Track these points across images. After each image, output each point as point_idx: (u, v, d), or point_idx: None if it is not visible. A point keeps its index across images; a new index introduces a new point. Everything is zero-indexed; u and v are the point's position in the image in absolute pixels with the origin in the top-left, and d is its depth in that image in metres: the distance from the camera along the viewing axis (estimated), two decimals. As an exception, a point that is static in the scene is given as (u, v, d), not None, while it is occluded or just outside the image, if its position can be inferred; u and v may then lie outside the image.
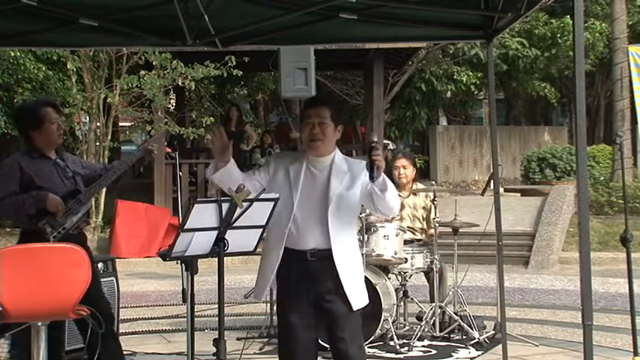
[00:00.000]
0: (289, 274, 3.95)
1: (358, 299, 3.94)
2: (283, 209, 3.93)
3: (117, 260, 6.49)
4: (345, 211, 3.93)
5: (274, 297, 6.93)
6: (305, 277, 3.91)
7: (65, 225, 4.69)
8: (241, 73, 12.52)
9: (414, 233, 7.08)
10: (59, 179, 4.81)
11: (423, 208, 7.16)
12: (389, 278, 6.69)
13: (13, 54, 11.83)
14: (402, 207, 7.04)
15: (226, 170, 3.99)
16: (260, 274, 4.10)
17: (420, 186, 7.30)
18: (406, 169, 7.07)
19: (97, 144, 13.06)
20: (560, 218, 12.55)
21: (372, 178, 3.78)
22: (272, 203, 3.94)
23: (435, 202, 6.93)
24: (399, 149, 16.68)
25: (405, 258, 6.67)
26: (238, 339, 6.52)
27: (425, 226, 7.16)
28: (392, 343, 6.36)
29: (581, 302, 3.80)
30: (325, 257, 3.88)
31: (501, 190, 9.83)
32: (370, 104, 14.68)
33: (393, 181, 7.14)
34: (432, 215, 7.03)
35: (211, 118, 14.28)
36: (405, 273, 6.82)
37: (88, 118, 13.50)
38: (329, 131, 3.96)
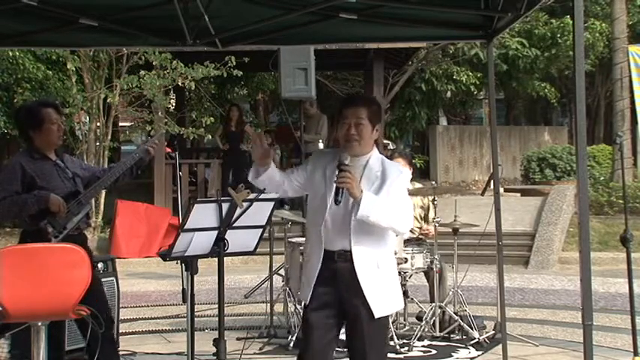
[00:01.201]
0: (318, 274, 3.88)
1: (381, 307, 3.84)
2: (319, 209, 3.88)
3: (117, 260, 6.48)
4: None
5: (274, 297, 6.99)
6: (331, 277, 3.85)
7: (66, 225, 4.69)
8: (241, 73, 12.52)
9: (412, 232, 7.08)
10: (60, 180, 4.81)
11: (421, 207, 7.17)
12: (389, 278, 6.68)
13: (11, 54, 11.82)
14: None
15: (268, 175, 3.92)
16: (304, 276, 4.02)
17: (418, 185, 7.30)
18: (402, 169, 7.06)
19: (97, 144, 13.06)
20: (560, 218, 12.55)
21: (336, 202, 3.74)
22: (272, 203, 3.94)
23: (435, 203, 6.94)
24: (399, 149, 16.68)
25: (405, 258, 6.67)
26: (238, 339, 6.52)
27: (423, 225, 7.16)
28: (392, 343, 6.35)
29: (581, 302, 3.80)
30: (348, 260, 3.82)
31: (501, 190, 9.83)
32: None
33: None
34: (431, 214, 7.04)
35: (211, 118, 14.29)
36: (405, 273, 6.81)
37: (88, 118, 13.50)
38: (366, 132, 3.87)
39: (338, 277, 3.84)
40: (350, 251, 3.81)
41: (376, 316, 3.82)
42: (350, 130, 3.87)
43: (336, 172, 3.75)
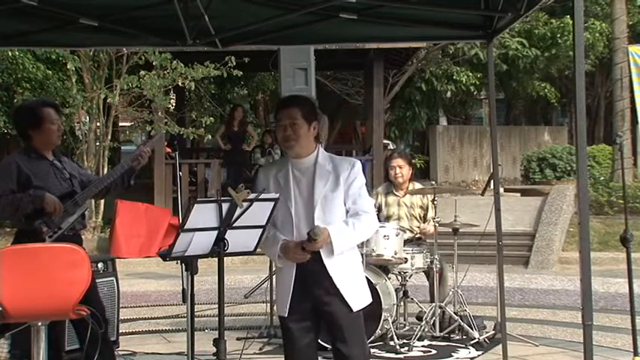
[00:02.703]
0: (294, 282, 3.90)
1: (357, 300, 3.90)
2: (285, 221, 3.92)
3: (117, 260, 6.49)
4: (332, 212, 3.88)
5: (274, 297, 6.98)
6: (302, 280, 3.88)
7: (61, 225, 4.68)
8: (241, 73, 12.52)
9: (412, 232, 7.08)
10: (56, 180, 4.80)
11: (420, 207, 7.17)
12: (389, 278, 6.69)
13: (11, 53, 11.81)
14: (399, 206, 7.07)
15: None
16: (279, 288, 4.05)
17: (418, 185, 7.30)
18: (402, 169, 7.08)
19: (97, 144, 13.06)
20: (560, 218, 12.54)
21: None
22: (272, 203, 3.93)
23: (435, 202, 6.94)
24: (399, 149, 16.67)
25: (405, 258, 6.67)
26: (238, 339, 6.52)
27: (422, 224, 7.17)
28: (392, 343, 6.36)
29: (581, 302, 3.80)
30: (317, 259, 3.85)
31: (501, 190, 9.83)
32: (370, 104, 14.68)
33: (389, 180, 7.21)
34: (430, 214, 7.04)
35: (211, 118, 14.30)
36: (405, 273, 6.82)
37: (88, 118, 13.50)
38: (302, 131, 3.89)
39: (309, 278, 3.87)
40: (318, 252, 3.83)
41: (354, 309, 3.86)
42: (286, 131, 3.90)
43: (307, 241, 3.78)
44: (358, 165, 3.99)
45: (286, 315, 3.92)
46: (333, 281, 3.85)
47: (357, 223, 3.89)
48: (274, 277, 7.23)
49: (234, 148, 14.24)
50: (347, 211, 3.92)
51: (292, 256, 3.87)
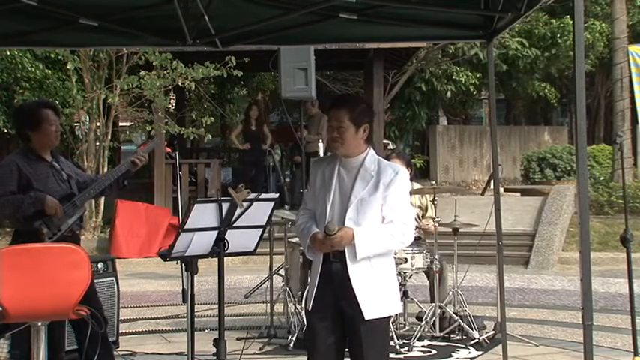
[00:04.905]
0: (319, 277, 3.90)
1: (373, 309, 3.81)
2: (321, 215, 3.89)
3: (117, 260, 6.49)
4: (365, 216, 3.82)
5: (274, 297, 6.99)
6: (328, 279, 3.86)
7: (61, 227, 4.68)
8: (241, 73, 12.52)
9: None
10: (55, 182, 4.81)
11: (419, 207, 7.17)
12: (389, 278, 6.67)
13: (9, 52, 11.80)
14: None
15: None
16: (309, 282, 4.03)
17: (416, 185, 7.30)
18: (400, 170, 7.06)
19: (97, 144, 13.05)
20: (560, 218, 12.55)
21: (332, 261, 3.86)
22: (272, 203, 3.94)
23: (435, 202, 6.94)
24: (398, 149, 16.68)
25: (405, 258, 6.67)
26: (238, 339, 6.52)
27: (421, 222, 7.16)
28: (392, 343, 6.35)
29: (581, 302, 3.80)
30: (342, 260, 3.82)
31: (501, 190, 9.83)
32: (370, 104, 14.66)
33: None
34: (429, 213, 7.04)
35: (211, 118, 14.25)
36: (405, 273, 6.82)
37: (88, 118, 13.49)
38: (348, 135, 3.86)
39: (334, 278, 3.85)
40: (343, 252, 3.81)
41: (366, 317, 3.79)
42: (333, 132, 3.89)
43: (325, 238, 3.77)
44: (403, 173, 3.92)
45: (310, 309, 3.91)
46: (351, 285, 3.80)
47: (387, 230, 3.84)
48: (275, 277, 7.30)
49: (253, 148, 14.03)
50: (383, 218, 3.86)
51: (318, 247, 3.85)
